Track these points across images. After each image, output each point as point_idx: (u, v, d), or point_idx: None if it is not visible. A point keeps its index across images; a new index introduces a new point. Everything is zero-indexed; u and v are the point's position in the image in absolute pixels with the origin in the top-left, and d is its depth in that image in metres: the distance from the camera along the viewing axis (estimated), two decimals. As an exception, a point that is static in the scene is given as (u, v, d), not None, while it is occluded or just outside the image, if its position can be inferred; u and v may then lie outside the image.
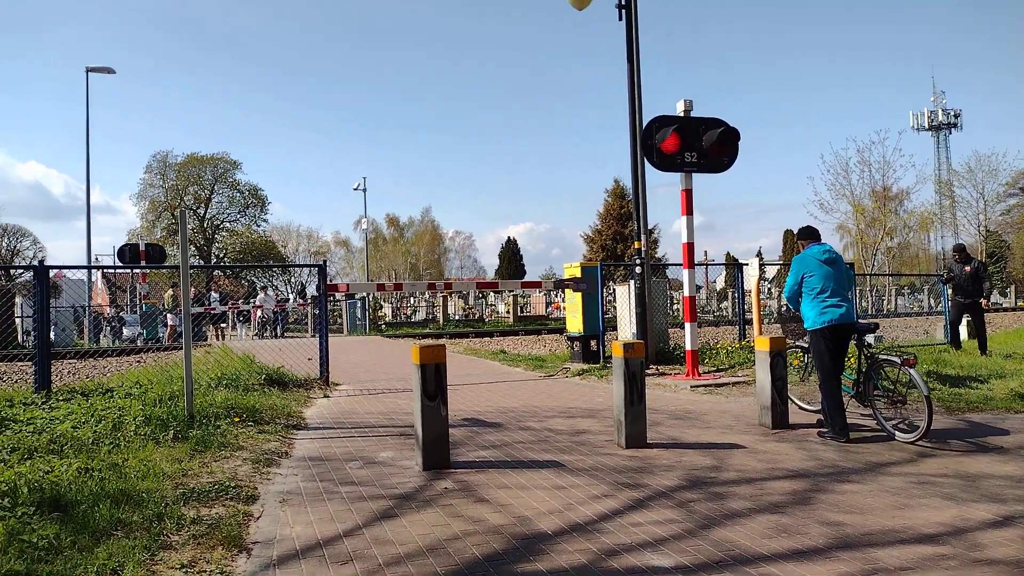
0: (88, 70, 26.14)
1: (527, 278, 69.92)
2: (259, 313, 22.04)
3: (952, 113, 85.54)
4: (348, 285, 10.56)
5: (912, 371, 5.93)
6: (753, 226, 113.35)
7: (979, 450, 5.53)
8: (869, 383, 6.40)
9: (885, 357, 6.37)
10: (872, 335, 6.60)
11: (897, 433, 6.03)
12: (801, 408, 7.12)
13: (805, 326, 6.42)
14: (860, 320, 6.58)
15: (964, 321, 13.47)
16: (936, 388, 8.27)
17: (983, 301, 12.23)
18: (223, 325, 22.21)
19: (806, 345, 7.11)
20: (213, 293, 21.79)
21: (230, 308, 20.44)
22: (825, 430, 6.08)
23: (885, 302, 40.77)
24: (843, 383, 6.30)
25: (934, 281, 37.67)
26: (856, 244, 48.51)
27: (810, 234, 6.81)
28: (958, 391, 8.16)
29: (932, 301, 39.23)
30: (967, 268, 12.03)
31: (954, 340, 12.54)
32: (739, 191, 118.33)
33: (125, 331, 21.50)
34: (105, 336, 21.47)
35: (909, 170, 56.58)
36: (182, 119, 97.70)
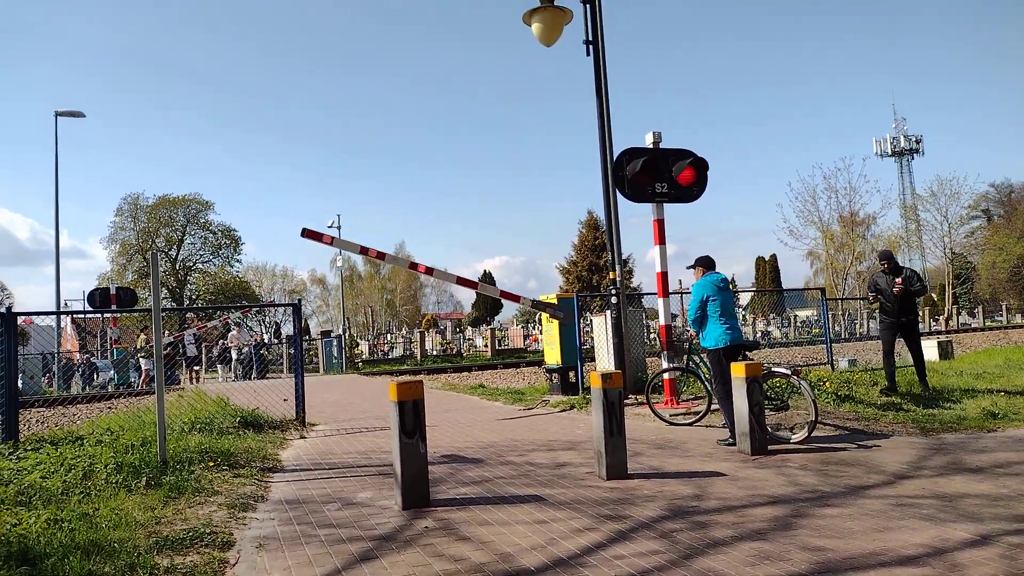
0: (57, 114, 25.98)
1: (503, 311, 69.95)
2: (234, 354, 21.62)
3: (914, 138, 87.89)
4: (333, 238, 10.01)
5: (801, 381, 6.99)
6: (725, 253, 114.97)
7: (955, 470, 5.59)
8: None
9: (776, 370, 7.29)
10: (754, 351, 8.24)
11: (784, 434, 7.02)
12: (672, 424, 8.11)
13: (705, 345, 7.26)
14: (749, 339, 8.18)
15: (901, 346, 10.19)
16: (910, 410, 8.38)
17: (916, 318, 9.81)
18: (196, 368, 21.83)
19: (683, 367, 8.83)
20: (187, 335, 21.39)
21: (213, 345, 20.15)
22: (725, 439, 6.89)
23: (857, 326, 41.30)
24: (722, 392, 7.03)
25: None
26: (826, 269, 49.32)
27: (707, 263, 7.57)
28: (931, 412, 8.27)
29: (903, 323, 39.78)
30: (897, 281, 9.54)
31: (890, 378, 9.53)
32: (711, 219, 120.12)
33: (99, 376, 21.06)
34: (76, 383, 21.00)
35: (875, 195, 58.15)
36: (152, 160, 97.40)
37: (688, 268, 7.75)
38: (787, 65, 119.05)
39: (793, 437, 6.87)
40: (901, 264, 10.04)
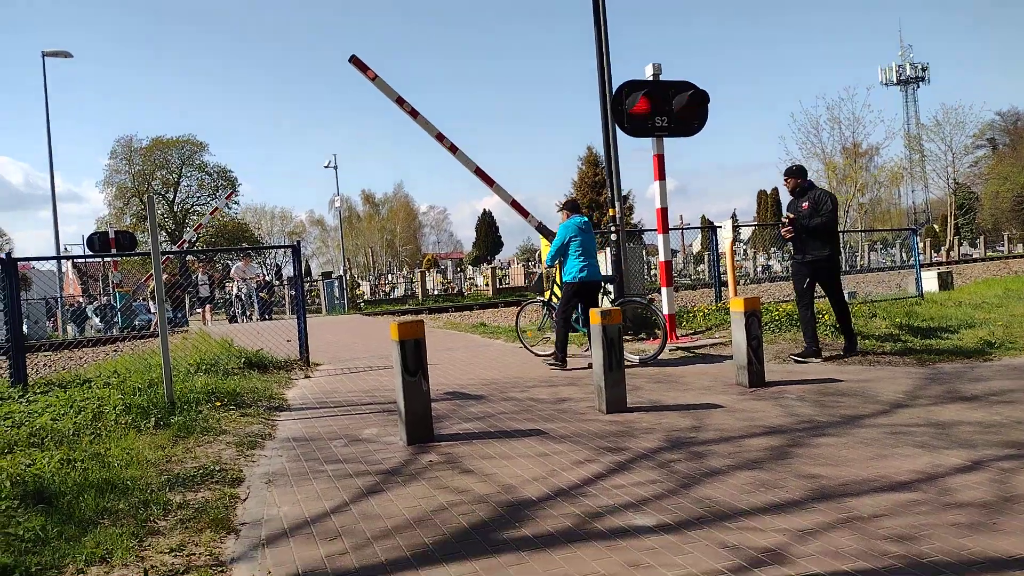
0: (44, 54, 25.42)
1: (504, 250, 69.86)
2: (235, 288, 20.94)
3: (919, 67, 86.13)
4: (376, 75, 10.16)
5: (654, 307, 8.59)
6: (727, 187, 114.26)
7: (950, 399, 5.68)
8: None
9: (633, 299, 8.98)
10: (612, 284, 9.12)
11: (631, 357, 7.94)
12: (535, 354, 8.83)
13: (564, 279, 7.96)
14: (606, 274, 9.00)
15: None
16: (908, 340, 8.46)
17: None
18: (208, 307, 21.34)
19: (544, 299, 9.48)
20: (201, 275, 21.13)
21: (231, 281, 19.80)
22: (548, 354, 8.16)
23: (858, 258, 41.34)
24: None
25: (906, 235, 38.21)
26: (829, 202, 48.94)
27: (573, 207, 8.27)
28: (929, 342, 8.35)
29: (904, 255, 39.83)
30: (804, 205, 7.68)
31: (809, 337, 7.69)
32: (712, 153, 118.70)
33: (138, 320, 20.93)
34: (95, 327, 20.89)
35: (879, 125, 57.02)
36: (144, 100, 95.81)
37: (557, 211, 8.56)
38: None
39: (637, 358, 8.02)
40: (811, 182, 7.97)
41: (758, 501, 3.52)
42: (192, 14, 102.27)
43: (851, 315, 8.03)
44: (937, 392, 5.96)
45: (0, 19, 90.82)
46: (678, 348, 8.74)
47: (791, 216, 7.73)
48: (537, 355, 8.79)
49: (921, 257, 25.44)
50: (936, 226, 65.66)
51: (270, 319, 18.85)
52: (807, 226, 7.57)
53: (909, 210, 74.75)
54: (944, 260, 41.62)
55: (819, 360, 7.55)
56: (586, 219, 8.13)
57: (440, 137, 11.13)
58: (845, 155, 43.34)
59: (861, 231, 41.94)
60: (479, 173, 11.12)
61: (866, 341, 8.36)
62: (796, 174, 7.92)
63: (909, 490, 3.58)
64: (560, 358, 7.88)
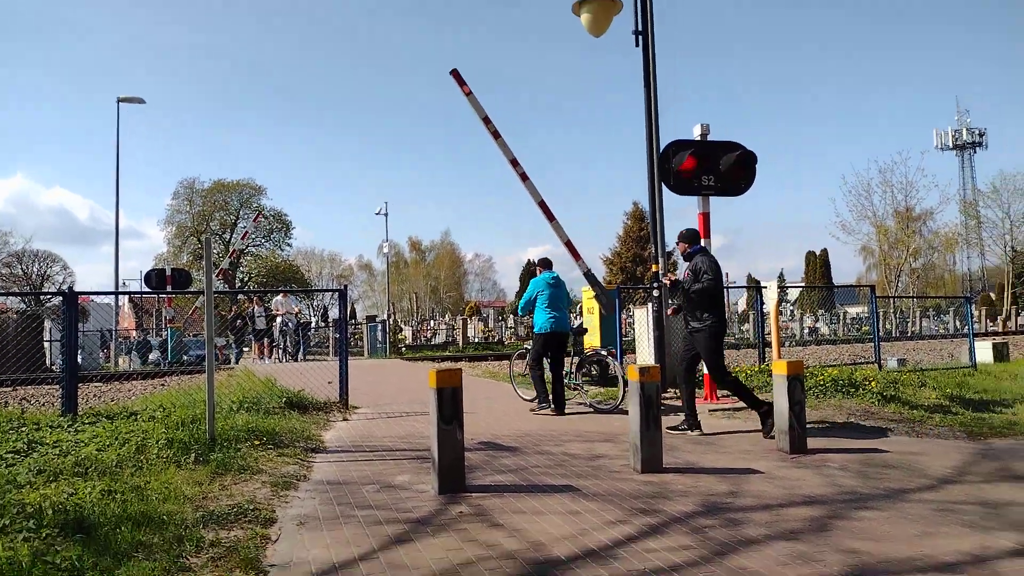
0: (119, 100, 26.76)
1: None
2: (278, 322, 21.02)
3: (977, 132, 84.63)
4: (470, 91, 10.98)
5: (614, 361, 9.21)
6: (775, 247, 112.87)
7: (1003, 477, 5.45)
8: (579, 371, 9.35)
9: (591, 353, 9.72)
10: (581, 335, 10.13)
11: (598, 406, 8.84)
12: (522, 398, 9.53)
13: (534, 330, 8.85)
14: (573, 327, 9.50)
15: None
16: (959, 413, 8.18)
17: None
18: (266, 341, 21.43)
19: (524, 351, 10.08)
20: (257, 307, 21.50)
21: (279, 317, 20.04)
22: (534, 402, 8.78)
23: (910, 324, 40.21)
24: (561, 373, 8.77)
25: (959, 303, 37.11)
26: (880, 265, 48.02)
27: (545, 264, 9.09)
28: (981, 416, 8.05)
29: (957, 323, 38.63)
30: (669, 275, 7.80)
31: (690, 416, 7.26)
32: (760, 212, 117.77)
33: (189, 354, 21.32)
34: (157, 360, 21.23)
35: (932, 190, 55.81)
36: (207, 145, 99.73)
37: (533, 267, 9.41)
38: (842, 56, 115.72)
39: (606, 407, 8.71)
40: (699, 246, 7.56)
41: (795, 574, 3.41)
42: (255, 68, 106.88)
43: (744, 384, 7.35)
44: (989, 469, 5.73)
45: (79, 64, 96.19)
46: (718, 409, 8.59)
47: (670, 277, 7.65)
48: (523, 399, 9.51)
49: (975, 326, 24.69)
50: (992, 295, 63.58)
51: (304, 360, 19.09)
52: (687, 292, 7.25)
53: (964, 277, 72.66)
54: (1000, 330, 40.16)
55: (697, 432, 7.13)
56: (556, 275, 8.93)
57: (514, 162, 11.54)
58: (897, 219, 42.59)
59: (912, 297, 40.91)
60: (542, 206, 11.38)
61: (914, 411, 8.11)
62: (686, 238, 7.58)
63: (955, 572, 3.43)
64: (542, 400, 8.68)
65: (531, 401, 9.04)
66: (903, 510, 4.49)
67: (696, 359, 7.37)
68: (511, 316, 49.87)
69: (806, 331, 38.12)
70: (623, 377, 8.46)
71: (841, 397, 8.69)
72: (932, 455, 6.23)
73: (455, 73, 11.23)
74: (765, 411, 6.90)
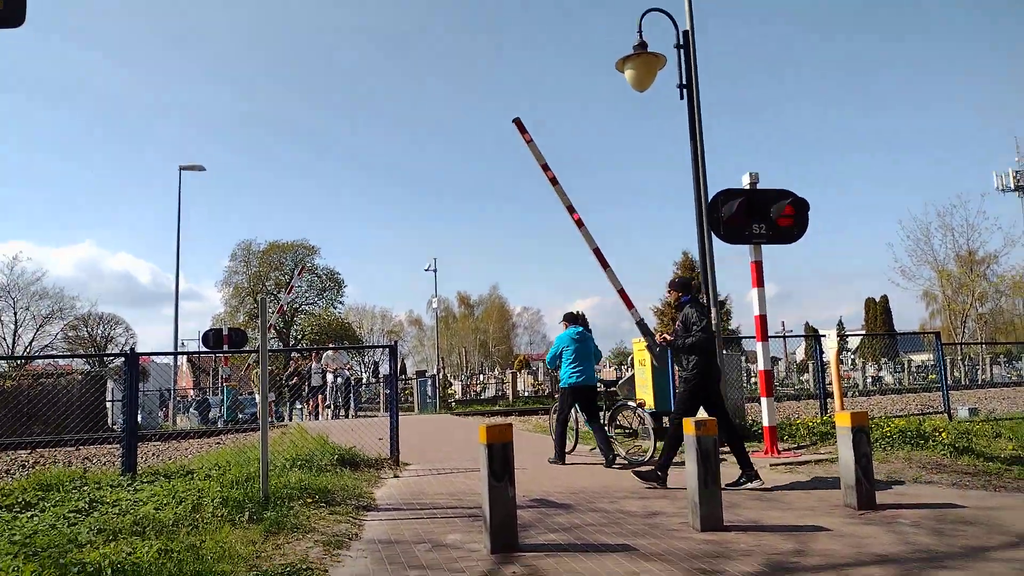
0: (181, 168, 28.05)
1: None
2: (329, 379, 21.11)
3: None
4: (531, 139, 11.80)
5: (642, 411, 9.15)
6: (832, 294, 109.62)
7: (1093, 534, 5.08)
8: (612, 423, 9.44)
9: (622, 403, 9.56)
10: (609, 389, 10.26)
11: (632, 459, 8.79)
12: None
13: (560, 384, 9.11)
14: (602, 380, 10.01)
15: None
16: (1040, 465, 7.71)
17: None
18: (321, 397, 21.52)
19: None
20: (315, 364, 21.77)
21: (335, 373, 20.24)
22: (551, 458, 8.93)
23: (979, 372, 38.50)
24: (599, 424, 8.88)
25: (1032, 348, 35.45)
26: (944, 311, 46.39)
27: (571, 319, 9.36)
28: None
29: (1032, 370, 36.86)
30: (663, 335, 7.69)
31: (745, 467, 7.04)
32: (817, 258, 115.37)
33: (245, 412, 21.64)
34: (219, 416, 21.57)
35: (996, 233, 53.95)
36: (263, 208, 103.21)
37: (559, 323, 9.58)
38: (894, 98, 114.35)
39: (638, 460, 8.63)
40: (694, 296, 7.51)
41: (869, 640, 3.21)
42: (306, 135, 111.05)
43: (742, 439, 7.23)
44: (1077, 526, 5.35)
45: (143, 135, 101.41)
46: (780, 463, 8.28)
47: (665, 337, 7.57)
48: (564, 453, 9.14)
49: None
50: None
51: (355, 416, 19.15)
52: (680, 346, 7.18)
53: (1036, 321, 69.57)
54: (1076, 378, 38.10)
55: (757, 483, 6.92)
56: (580, 329, 9.19)
57: (571, 209, 11.84)
58: (959, 263, 41.31)
59: (981, 343, 39.25)
60: (597, 253, 11.51)
61: (990, 463, 7.69)
62: (676, 287, 7.63)
63: (1047, 639, 3.18)
64: (558, 455, 8.89)
65: (569, 454, 9.26)
66: (983, 570, 4.21)
67: (720, 410, 7.13)
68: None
69: (869, 380, 36.80)
70: (652, 428, 8.74)
71: (910, 449, 8.30)
72: (1012, 510, 5.86)
73: (517, 122, 11.74)
74: (662, 464, 7.07)
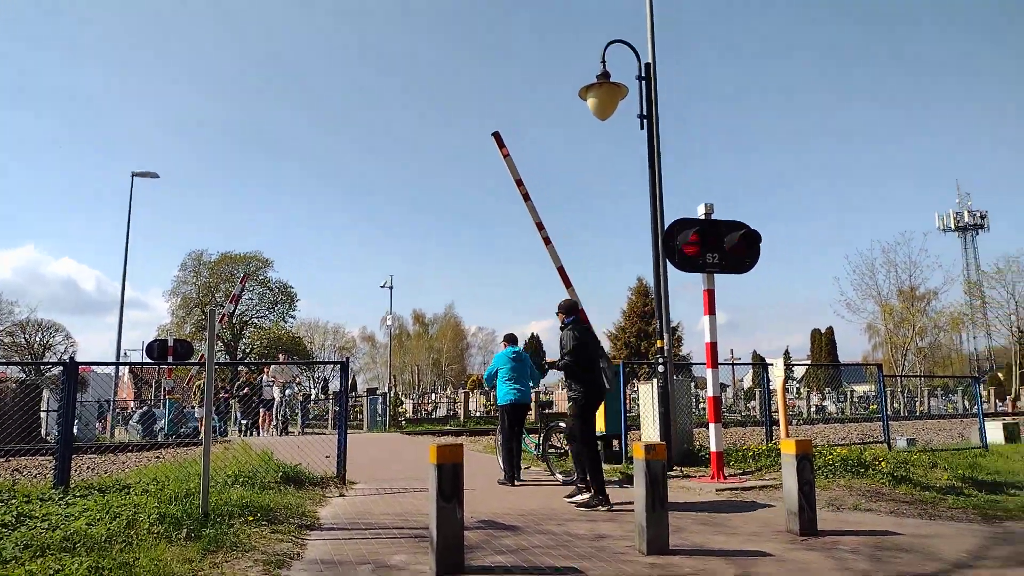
0: (134, 175, 27.38)
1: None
2: (276, 394, 20.47)
3: (978, 214, 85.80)
4: (508, 154, 11.87)
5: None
6: (780, 324, 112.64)
7: (1020, 562, 5.26)
8: (546, 442, 9.75)
9: (555, 424, 9.70)
10: (545, 411, 10.76)
11: (561, 477, 9.07)
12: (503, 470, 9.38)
13: (497, 402, 9.33)
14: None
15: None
16: (972, 495, 7.97)
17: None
18: (267, 413, 20.86)
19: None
20: (266, 377, 21.21)
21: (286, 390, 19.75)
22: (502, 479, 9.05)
23: (918, 403, 39.72)
24: (526, 443, 9.46)
25: (968, 382, 36.72)
26: (886, 344, 47.83)
27: (510, 339, 9.69)
28: (995, 498, 7.85)
29: (967, 403, 38.17)
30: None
31: (596, 488, 7.36)
32: (765, 290, 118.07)
33: (188, 425, 20.78)
34: (160, 429, 20.79)
35: (936, 270, 56.06)
36: (216, 218, 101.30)
37: (500, 343, 9.84)
38: (843, 137, 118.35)
39: (568, 479, 8.65)
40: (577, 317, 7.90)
41: (807, 665, 3.25)
42: (266, 142, 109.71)
43: (599, 465, 7.48)
44: (1006, 553, 5.53)
45: (94, 138, 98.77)
46: (726, 488, 8.38)
47: (549, 360, 8.34)
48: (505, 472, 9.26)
49: (985, 406, 24.33)
50: (1000, 374, 62.99)
51: (302, 433, 18.77)
52: (557, 367, 7.75)
53: (971, 356, 72.20)
54: (1010, 410, 39.57)
55: (604, 509, 7.17)
56: (518, 350, 9.48)
57: (540, 226, 12.06)
58: (901, 298, 42.70)
59: (920, 376, 40.54)
60: (561, 271, 11.67)
61: (926, 492, 7.91)
62: (563, 310, 8.02)
63: (977, 665, 3.26)
64: (507, 476, 9.01)
65: (521, 472, 9.43)
66: (919, 598, 4.31)
67: (584, 425, 7.59)
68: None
69: (813, 409, 37.62)
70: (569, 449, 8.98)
71: (851, 477, 8.48)
72: (946, 538, 6.03)
73: (496, 135, 11.91)
74: (585, 488, 7.41)
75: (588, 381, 7.53)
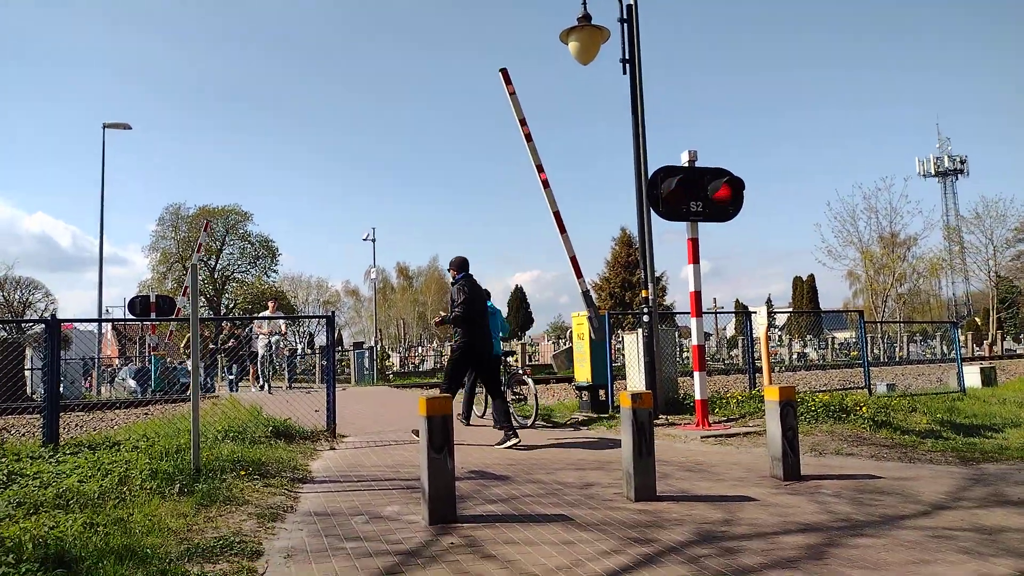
0: (105, 126, 26.72)
1: (535, 326, 69.83)
2: (260, 346, 20.30)
3: (958, 159, 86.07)
4: (514, 92, 11.67)
5: (530, 380, 10.02)
6: (762, 272, 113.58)
7: (997, 502, 5.42)
8: (509, 389, 9.97)
9: (514, 372, 10.49)
10: (509, 357, 11.18)
11: (521, 420, 9.58)
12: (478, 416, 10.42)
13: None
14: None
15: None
16: (950, 438, 8.17)
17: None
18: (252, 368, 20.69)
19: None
20: (256, 328, 21.00)
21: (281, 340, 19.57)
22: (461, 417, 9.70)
23: (897, 349, 40.40)
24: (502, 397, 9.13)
25: (946, 328, 37.37)
26: (866, 290, 48.39)
27: (487, 294, 9.41)
28: (972, 440, 8.06)
29: (945, 348, 38.88)
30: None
31: (466, 410, 10.07)
32: (748, 238, 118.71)
33: (180, 382, 20.60)
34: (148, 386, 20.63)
35: (916, 216, 56.38)
36: (193, 170, 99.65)
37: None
38: (827, 84, 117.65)
39: (527, 422, 9.57)
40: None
41: (792, 604, 3.35)
42: (244, 92, 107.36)
43: (507, 403, 8.61)
44: (982, 494, 5.71)
45: (61, 86, 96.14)
46: (711, 435, 8.54)
47: (440, 313, 8.90)
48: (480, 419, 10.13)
49: (963, 351, 24.84)
50: (978, 319, 64.11)
51: (290, 388, 18.76)
52: (448, 320, 8.45)
53: (950, 302, 73.32)
54: (987, 355, 40.42)
55: (515, 441, 7.96)
56: (489, 304, 9.33)
57: (540, 168, 11.96)
58: (882, 244, 43.01)
59: (900, 322, 41.15)
60: (556, 216, 11.70)
61: (906, 436, 8.10)
62: (454, 266, 8.63)
63: (954, 600, 3.38)
64: (465, 417, 9.85)
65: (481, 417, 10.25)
66: (899, 537, 4.45)
67: (490, 373, 8.58)
68: (500, 342, 49.62)
69: (795, 356, 38.21)
70: (535, 394, 9.75)
71: (832, 423, 8.67)
72: (925, 481, 6.20)
73: (504, 72, 11.84)
74: (504, 426, 8.14)
75: (474, 333, 8.25)
